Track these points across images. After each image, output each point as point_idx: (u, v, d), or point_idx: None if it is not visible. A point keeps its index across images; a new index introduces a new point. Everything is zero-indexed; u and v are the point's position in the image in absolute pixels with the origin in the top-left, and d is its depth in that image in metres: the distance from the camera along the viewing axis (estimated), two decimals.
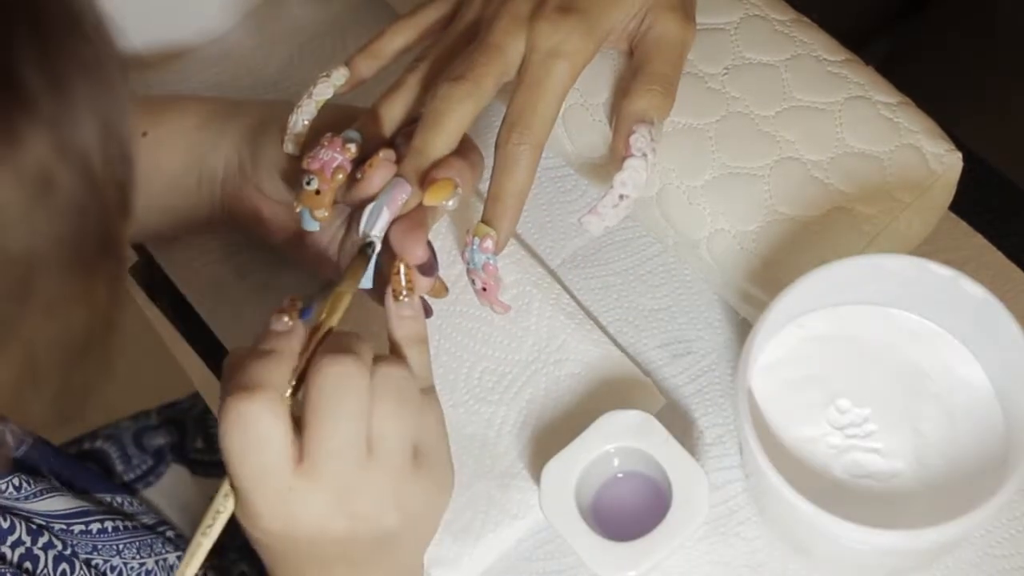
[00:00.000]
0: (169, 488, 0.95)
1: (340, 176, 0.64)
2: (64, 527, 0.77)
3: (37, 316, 0.44)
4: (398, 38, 0.70)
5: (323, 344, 0.58)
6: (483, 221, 0.65)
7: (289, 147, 0.68)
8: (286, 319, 0.58)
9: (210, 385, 0.80)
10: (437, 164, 0.64)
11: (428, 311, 0.69)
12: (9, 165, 0.40)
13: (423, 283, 0.64)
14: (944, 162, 0.69)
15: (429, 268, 0.65)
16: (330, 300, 0.60)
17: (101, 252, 0.45)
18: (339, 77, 0.68)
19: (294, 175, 0.68)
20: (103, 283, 0.46)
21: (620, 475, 0.70)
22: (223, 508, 0.58)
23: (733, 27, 0.74)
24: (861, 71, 0.72)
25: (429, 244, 0.65)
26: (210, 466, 0.97)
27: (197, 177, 0.74)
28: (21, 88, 0.41)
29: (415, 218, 0.64)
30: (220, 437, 0.56)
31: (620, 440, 0.68)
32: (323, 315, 0.60)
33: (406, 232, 0.63)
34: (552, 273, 0.78)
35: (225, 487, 0.58)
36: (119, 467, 0.95)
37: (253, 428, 0.55)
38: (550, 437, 0.72)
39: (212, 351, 0.80)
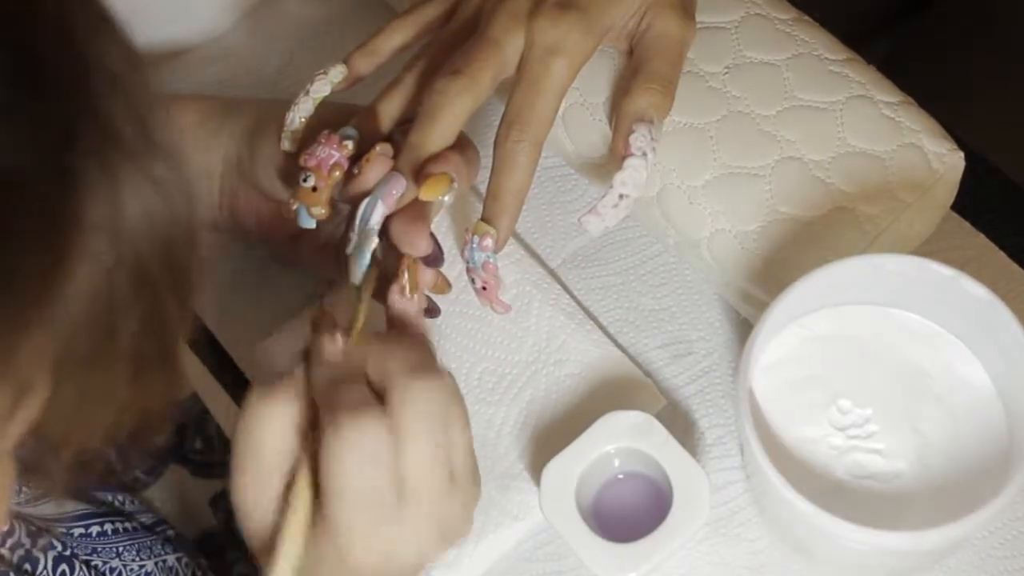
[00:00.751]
0: (168, 489, 0.94)
1: (337, 173, 0.64)
2: (64, 530, 0.76)
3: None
4: (396, 36, 0.70)
5: (339, 393, 0.58)
6: (482, 219, 0.65)
7: (286, 144, 0.67)
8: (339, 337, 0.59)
9: (209, 386, 0.80)
10: (432, 158, 0.64)
11: (435, 311, 0.69)
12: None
13: (427, 276, 0.64)
14: (946, 161, 0.69)
15: (435, 259, 0.64)
16: (358, 315, 0.61)
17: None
18: (336, 75, 0.68)
19: (291, 173, 0.68)
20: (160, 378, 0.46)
21: (621, 476, 0.70)
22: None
23: (734, 26, 0.74)
24: (863, 70, 0.72)
25: (432, 236, 0.64)
26: (209, 467, 0.97)
27: (195, 174, 0.73)
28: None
29: (414, 211, 0.64)
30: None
31: (621, 441, 0.68)
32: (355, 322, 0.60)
33: (407, 225, 0.63)
34: (552, 273, 0.78)
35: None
36: (118, 467, 0.94)
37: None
38: (550, 438, 0.72)
39: (210, 352, 0.80)
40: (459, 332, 0.76)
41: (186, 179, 0.45)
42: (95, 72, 0.41)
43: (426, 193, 0.63)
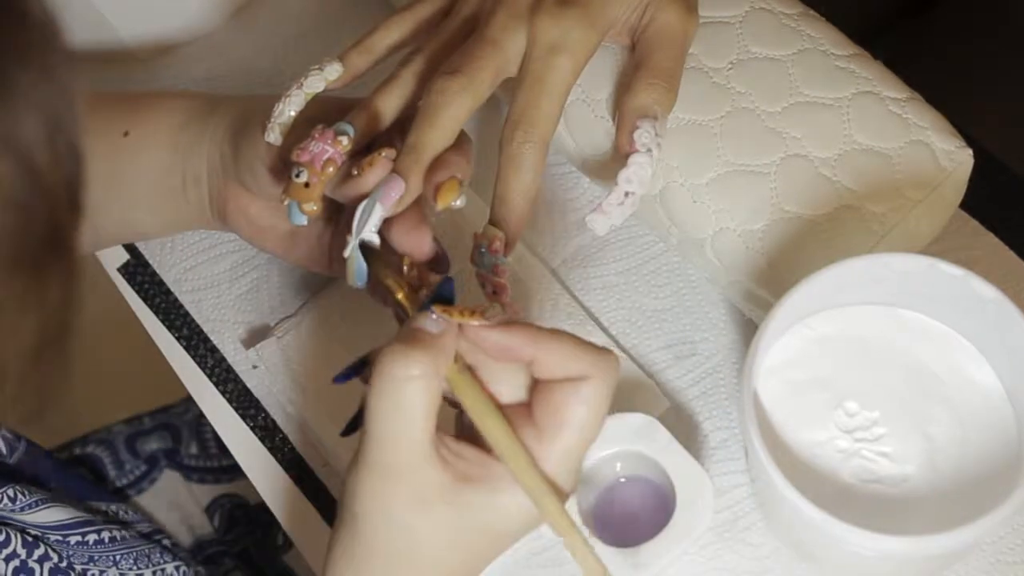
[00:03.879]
0: (162, 494, 0.94)
1: (331, 169, 0.63)
2: (60, 538, 0.76)
3: None
4: (392, 33, 0.69)
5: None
6: (491, 222, 0.64)
7: (272, 136, 0.66)
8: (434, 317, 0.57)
9: (203, 389, 0.80)
10: (436, 163, 0.63)
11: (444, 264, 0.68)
12: None
13: (435, 278, 0.63)
14: (954, 159, 0.69)
15: (439, 262, 0.64)
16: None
17: (50, 252, 0.43)
18: (332, 72, 0.67)
19: (280, 168, 0.67)
20: (54, 284, 0.44)
21: (623, 479, 0.70)
22: None
23: (738, 20, 0.73)
24: (869, 66, 0.72)
25: (436, 240, 0.64)
26: (204, 472, 0.96)
27: (181, 177, 0.73)
28: None
29: (413, 215, 0.63)
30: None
31: (623, 444, 0.68)
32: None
33: (408, 230, 0.63)
34: (553, 273, 0.78)
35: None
36: (111, 473, 0.94)
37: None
38: None
39: (205, 354, 0.79)
40: None
41: (77, 143, 0.44)
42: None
43: (442, 202, 0.63)
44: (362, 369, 0.58)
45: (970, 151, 0.69)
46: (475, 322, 0.56)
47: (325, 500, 0.75)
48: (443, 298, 0.57)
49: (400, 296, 0.61)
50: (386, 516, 0.55)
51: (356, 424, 0.57)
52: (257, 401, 0.78)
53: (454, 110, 0.63)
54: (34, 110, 0.41)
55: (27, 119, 0.41)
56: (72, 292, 0.46)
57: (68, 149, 0.43)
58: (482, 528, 0.56)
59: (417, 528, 0.55)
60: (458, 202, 0.63)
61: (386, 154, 0.63)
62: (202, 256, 0.82)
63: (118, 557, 0.80)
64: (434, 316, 0.56)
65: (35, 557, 0.73)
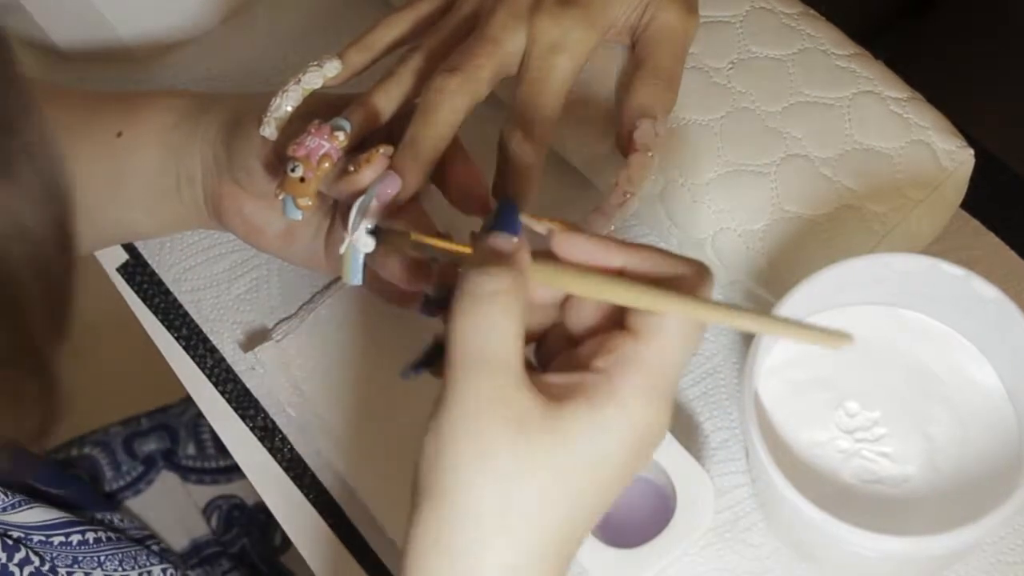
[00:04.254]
0: (159, 495, 0.94)
1: (326, 164, 0.63)
2: (43, 539, 0.75)
3: None
4: (392, 31, 0.69)
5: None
6: None
7: (267, 131, 0.66)
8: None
9: (202, 389, 0.79)
10: (467, 179, 0.64)
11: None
12: None
13: None
14: (955, 159, 0.69)
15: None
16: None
17: (23, 366, 0.43)
18: (331, 69, 0.67)
19: (275, 163, 0.66)
20: (30, 398, 0.44)
21: None
22: None
23: (739, 20, 0.73)
24: (870, 65, 0.72)
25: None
26: (201, 473, 0.96)
27: (175, 177, 0.72)
28: None
29: (417, 213, 0.63)
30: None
31: None
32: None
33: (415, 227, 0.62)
34: None
35: None
36: (108, 474, 0.94)
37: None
38: None
39: (205, 354, 0.79)
40: None
41: (58, 180, 0.42)
42: None
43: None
44: (434, 360, 0.53)
45: (971, 151, 0.69)
46: (558, 228, 0.53)
47: (325, 501, 0.75)
48: (508, 221, 0.54)
49: (446, 244, 0.57)
50: (483, 460, 0.49)
51: (425, 362, 0.53)
52: (256, 401, 0.78)
53: (452, 108, 0.63)
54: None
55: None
56: (53, 410, 0.45)
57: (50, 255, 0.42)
58: (588, 461, 0.50)
59: (514, 466, 0.49)
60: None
61: (383, 151, 0.63)
62: (201, 256, 0.82)
63: (103, 558, 0.79)
64: (506, 235, 0.52)
65: (15, 561, 0.73)
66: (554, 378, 0.51)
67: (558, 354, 0.55)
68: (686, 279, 0.51)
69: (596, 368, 0.51)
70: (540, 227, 0.53)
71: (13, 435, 0.45)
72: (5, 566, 0.72)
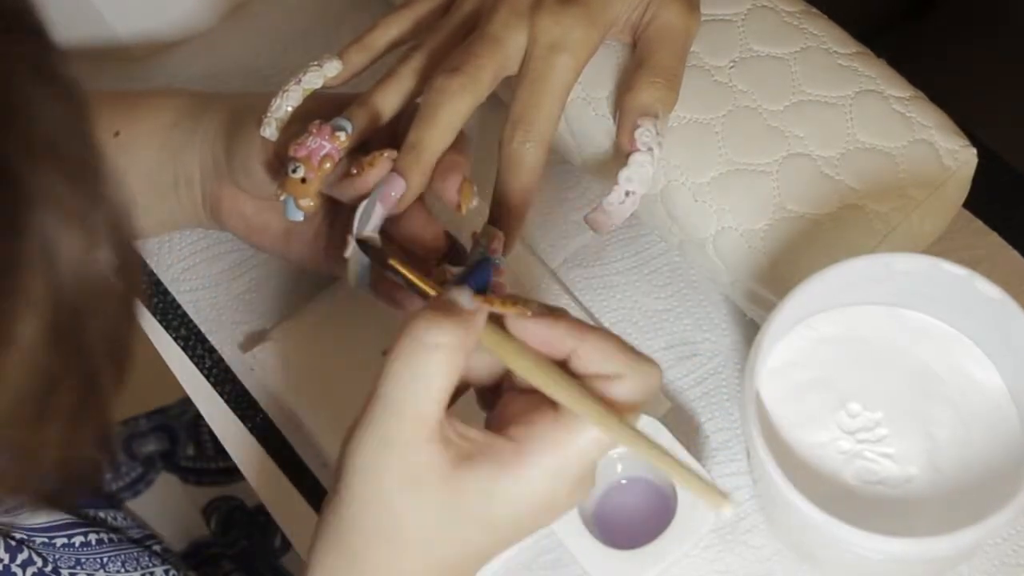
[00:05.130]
0: (159, 496, 0.94)
1: (328, 165, 0.63)
2: (46, 540, 0.75)
3: None
4: (392, 30, 0.69)
5: None
6: (490, 222, 0.64)
7: (267, 131, 0.66)
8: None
9: (201, 390, 0.79)
10: (444, 165, 0.63)
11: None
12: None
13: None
14: (958, 158, 0.68)
15: (456, 255, 0.65)
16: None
17: (83, 408, 0.43)
18: (331, 69, 0.67)
19: (276, 165, 0.66)
20: (86, 433, 0.44)
21: (624, 481, 0.70)
22: None
23: (740, 18, 0.73)
24: (872, 64, 0.71)
25: (448, 233, 0.65)
26: (201, 474, 0.96)
27: (173, 177, 0.72)
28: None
29: (420, 213, 0.64)
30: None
31: None
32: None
33: (422, 227, 0.64)
34: (553, 273, 0.77)
35: None
36: (106, 478, 0.94)
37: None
38: None
39: (203, 354, 0.79)
40: None
41: (128, 236, 0.43)
42: (29, 125, 0.38)
43: (464, 206, 0.63)
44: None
45: (974, 150, 0.69)
46: (514, 312, 0.54)
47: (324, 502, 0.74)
48: (479, 277, 0.56)
49: (416, 279, 0.58)
50: (376, 489, 0.53)
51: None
52: (255, 402, 0.78)
53: (455, 109, 0.63)
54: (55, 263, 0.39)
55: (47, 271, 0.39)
56: (107, 437, 0.45)
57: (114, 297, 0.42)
58: (478, 517, 0.53)
59: (405, 508, 0.53)
60: (474, 203, 0.63)
61: (387, 154, 0.63)
62: (200, 256, 0.82)
63: (106, 560, 0.79)
64: (468, 292, 0.54)
65: (18, 562, 0.72)
66: (473, 434, 0.54)
67: (508, 392, 0.57)
68: (626, 381, 0.54)
69: (510, 436, 0.53)
70: (496, 308, 0.54)
71: (69, 476, 0.45)
72: (8, 567, 0.72)
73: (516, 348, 0.54)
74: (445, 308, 0.53)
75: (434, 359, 0.51)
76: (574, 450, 0.53)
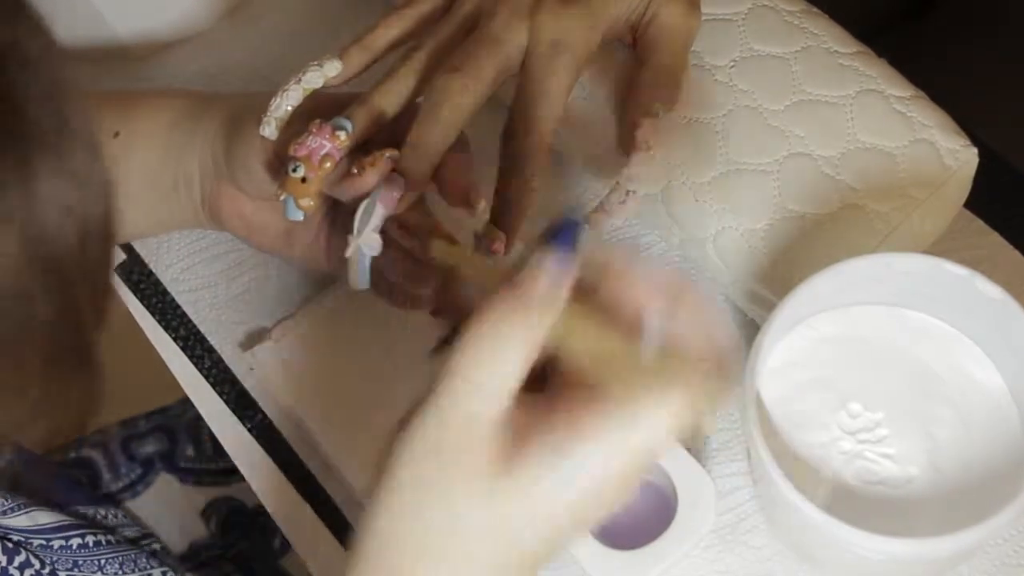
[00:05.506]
0: (158, 497, 0.94)
1: (328, 164, 0.63)
2: (43, 542, 0.75)
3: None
4: (392, 30, 0.69)
5: None
6: (490, 221, 0.64)
7: (267, 130, 0.66)
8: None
9: (200, 390, 0.79)
10: (450, 167, 0.63)
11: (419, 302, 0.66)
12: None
13: None
14: (959, 158, 0.68)
15: None
16: None
17: (68, 355, 0.43)
18: (332, 69, 0.67)
19: (276, 164, 0.66)
20: (74, 388, 0.44)
21: None
22: None
23: (741, 18, 0.73)
24: (873, 64, 0.72)
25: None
26: (200, 474, 0.96)
27: (173, 177, 0.72)
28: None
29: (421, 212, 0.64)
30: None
31: None
32: None
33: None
34: None
35: None
36: (106, 476, 0.94)
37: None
38: None
39: (203, 355, 0.79)
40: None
41: (103, 171, 0.43)
42: (8, 59, 0.39)
43: (479, 210, 0.62)
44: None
45: (975, 150, 0.69)
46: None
47: (324, 503, 0.74)
48: (565, 237, 0.50)
49: (477, 265, 0.56)
50: (423, 503, 0.49)
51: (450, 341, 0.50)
52: (255, 402, 0.77)
53: (456, 109, 0.63)
54: (53, 198, 0.40)
55: (45, 204, 0.39)
56: (95, 398, 0.45)
57: (92, 241, 0.42)
58: (528, 514, 0.49)
59: (467, 502, 0.49)
60: (482, 205, 0.63)
61: (388, 154, 0.63)
62: (199, 256, 0.81)
63: (103, 562, 0.79)
64: (560, 256, 0.49)
65: (16, 564, 0.72)
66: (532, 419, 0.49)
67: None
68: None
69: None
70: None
71: (57, 424, 0.45)
72: (5, 569, 0.72)
73: (588, 330, 0.50)
74: (529, 284, 0.49)
75: (511, 345, 0.48)
76: (634, 437, 0.49)
